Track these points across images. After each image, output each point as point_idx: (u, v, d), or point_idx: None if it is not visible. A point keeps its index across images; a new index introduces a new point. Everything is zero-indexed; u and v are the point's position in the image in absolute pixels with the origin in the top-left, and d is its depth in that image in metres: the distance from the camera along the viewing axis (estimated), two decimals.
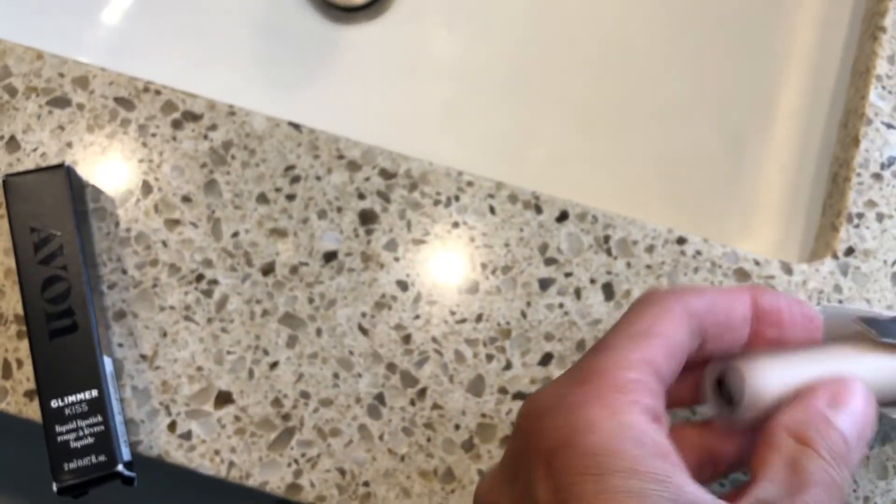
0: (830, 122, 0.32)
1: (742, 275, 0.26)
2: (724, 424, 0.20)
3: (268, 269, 0.26)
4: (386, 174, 0.27)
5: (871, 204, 0.27)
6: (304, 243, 0.26)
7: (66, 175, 0.25)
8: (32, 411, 0.25)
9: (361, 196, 0.27)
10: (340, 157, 0.27)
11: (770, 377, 0.19)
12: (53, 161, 0.27)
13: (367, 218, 0.27)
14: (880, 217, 0.27)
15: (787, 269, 0.26)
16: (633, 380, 0.17)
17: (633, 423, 0.17)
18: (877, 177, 0.27)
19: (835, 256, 0.26)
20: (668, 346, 0.18)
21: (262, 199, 0.27)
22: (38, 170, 0.25)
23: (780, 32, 0.38)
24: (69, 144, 0.27)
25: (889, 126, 0.28)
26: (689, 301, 0.19)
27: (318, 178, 0.27)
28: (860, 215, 0.27)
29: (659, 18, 0.40)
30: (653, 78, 0.39)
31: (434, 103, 0.38)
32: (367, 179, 0.27)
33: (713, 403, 0.20)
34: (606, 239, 0.26)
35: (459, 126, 0.37)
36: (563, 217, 0.27)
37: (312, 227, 0.27)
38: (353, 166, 0.27)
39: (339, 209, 0.27)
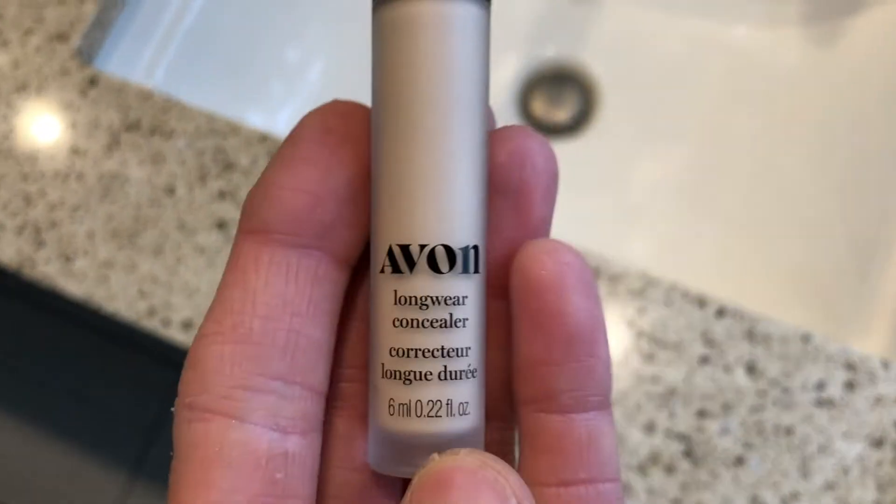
0: None
1: (850, 367, 0.36)
2: None
3: None
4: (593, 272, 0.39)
5: None
6: None
7: None
8: None
9: None
10: None
11: None
12: None
13: None
14: None
15: (885, 366, 0.35)
16: None
17: None
18: None
19: None
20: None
21: None
22: None
23: None
24: None
25: None
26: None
27: None
28: None
29: (808, 146, 0.50)
30: (799, 196, 0.49)
31: (623, 209, 0.50)
32: None
33: None
34: (750, 331, 0.37)
35: (643, 229, 0.49)
36: (720, 313, 0.37)
37: None
38: None
39: None
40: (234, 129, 0.42)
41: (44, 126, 0.43)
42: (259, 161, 0.41)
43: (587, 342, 0.13)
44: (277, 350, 0.13)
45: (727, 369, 0.36)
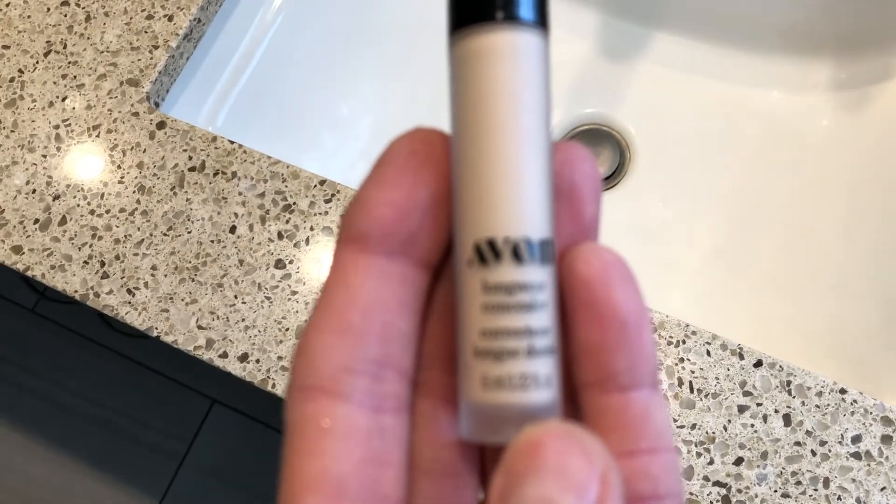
0: None
1: (887, 421, 0.37)
2: None
3: None
4: None
5: None
6: None
7: None
8: None
9: None
10: None
11: None
12: None
13: None
14: None
15: None
16: None
17: None
18: None
19: None
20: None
21: None
22: None
23: None
24: None
25: None
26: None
27: None
28: None
29: (839, 209, 0.51)
30: (831, 257, 0.50)
31: (658, 263, 0.51)
32: None
33: None
34: (788, 383, 0.38)
35: (679, 285, 0.50)
36: (758, 364, 0.38)
37: None
38: None
39: None
40: (294, 174, 0.44)
41: (113, 164, 0.45)
42: (317, 204, 0.43)
43: (635, 326, 0.15)
44: (373, 339, 0.15)
45: (765, 418, 0.37)
